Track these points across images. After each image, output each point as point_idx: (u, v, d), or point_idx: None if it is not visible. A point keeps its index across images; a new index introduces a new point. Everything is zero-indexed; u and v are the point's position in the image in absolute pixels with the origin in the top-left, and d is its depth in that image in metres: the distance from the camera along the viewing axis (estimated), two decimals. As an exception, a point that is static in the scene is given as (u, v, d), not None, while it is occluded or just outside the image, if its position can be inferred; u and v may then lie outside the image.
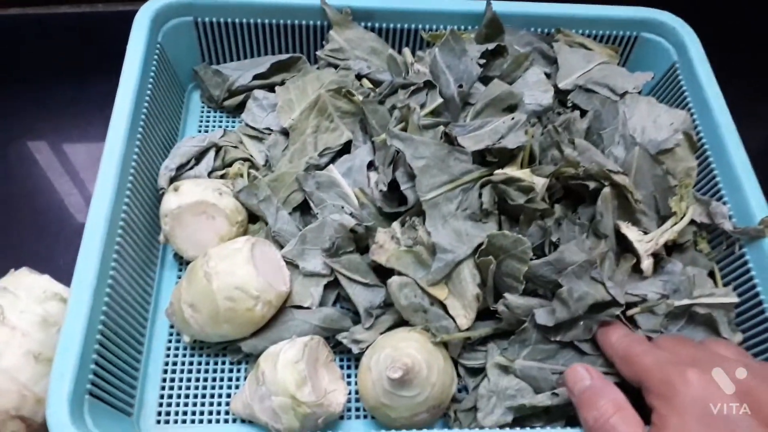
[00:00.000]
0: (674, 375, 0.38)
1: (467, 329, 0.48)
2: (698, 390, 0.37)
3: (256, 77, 0.63)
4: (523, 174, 0.50)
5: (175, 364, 0.51)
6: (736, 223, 0.54)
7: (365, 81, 0.61)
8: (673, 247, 0.54)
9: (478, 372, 0.49)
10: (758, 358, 0.49)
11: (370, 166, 0.55)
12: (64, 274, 0.49)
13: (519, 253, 0.47)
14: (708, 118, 0.58)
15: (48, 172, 0.66)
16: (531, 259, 0.46)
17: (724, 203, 0.55)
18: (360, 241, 0.53)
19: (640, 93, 0.60)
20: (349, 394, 0.49)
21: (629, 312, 0.49)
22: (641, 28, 0.65)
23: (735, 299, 0.50)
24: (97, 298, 0.44)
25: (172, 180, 0.55)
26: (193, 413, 0.49)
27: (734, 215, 0.54)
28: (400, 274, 0.49)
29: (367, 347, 0.49)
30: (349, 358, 0.52)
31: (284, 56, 0.64)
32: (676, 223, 0.52)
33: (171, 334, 0.52)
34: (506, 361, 0.47)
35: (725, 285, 0.53)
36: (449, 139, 0.51)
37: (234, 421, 0.49)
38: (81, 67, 0.72)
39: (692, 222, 0.54)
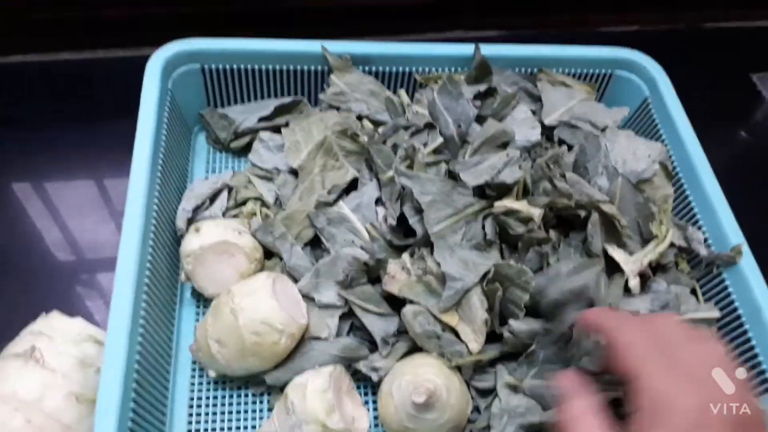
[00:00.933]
0: (668, 398, 0.37)
1: (478, 352, 0.51)
2: (692, 413, 0.37)
3: (261, 119, 0.66)
4: (521, 206, 0.55)
5: (199, 398, 0.53)
6: (712, 244, 0.59)
7: (365, 121, 0.65)
8: (657, 268, 0.59)
9: (489, 392, 0.52)
10: (739, 367, 0.54)
11: (378, 201, 0.58)
12: (81, 314, 0.52)
13: (522, 283, 0.50)
14: (680, 148, 0.64)
15: (53, 215, 0.67)
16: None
17: (700, 227, 0.60)
18: (371, 272, 0.55)
19: (618, 127, 0.66)
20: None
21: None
22: (615, 66, 0.71)
23: (717, 314, 0.55)
24: (132, 340, 0.46)
25: (190, 221, 0.57)
26: (220, 445, 0.51)
27: (710, 237, 0.59)
28: (412, 302, 0.52)
29: (385, 374, 0.52)
30: (365, 384, 0.55)
31: (287, 99, 0.67)
32: (658, 245, 0.57)
33: (194, 370, 0.54)
34: (515, 381, 0.51)
35: (706, 301, 0.58)
36: (452, 176, 0.55)
37: (262, 451, 0.51)
38: (83, 111, 0.74)
39: (672, 244, 0.59)
